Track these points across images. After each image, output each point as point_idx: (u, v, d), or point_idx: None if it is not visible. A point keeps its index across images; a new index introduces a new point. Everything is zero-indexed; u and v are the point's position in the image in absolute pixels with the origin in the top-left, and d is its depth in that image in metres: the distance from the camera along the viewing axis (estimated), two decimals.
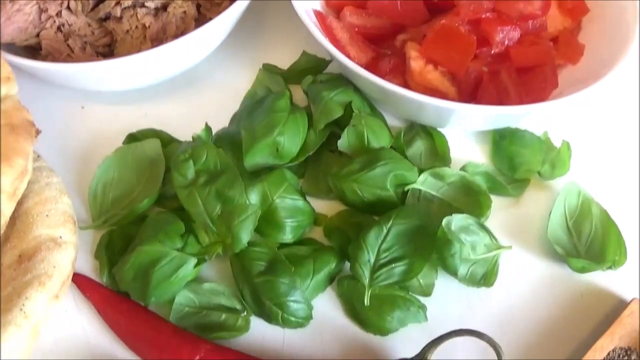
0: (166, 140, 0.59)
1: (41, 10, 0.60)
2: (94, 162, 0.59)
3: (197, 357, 0.51)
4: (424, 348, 0.52)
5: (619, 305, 0.56)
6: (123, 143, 0.60)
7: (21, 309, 0.50)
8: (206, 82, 0.64)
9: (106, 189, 0.57)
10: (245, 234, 0.52)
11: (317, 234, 0.57)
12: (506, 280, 0.56)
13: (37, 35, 0.61)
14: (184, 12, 0.61)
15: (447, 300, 0.55)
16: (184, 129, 0.59)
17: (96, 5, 0.61)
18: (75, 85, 0.60)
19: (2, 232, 0.50)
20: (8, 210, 0.50)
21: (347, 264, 0.56)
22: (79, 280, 0.55)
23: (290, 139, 0.56)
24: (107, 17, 0.61)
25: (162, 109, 0.62)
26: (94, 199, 0.57)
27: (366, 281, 0.53)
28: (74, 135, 0.62)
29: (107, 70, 0.56)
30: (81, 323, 0.55)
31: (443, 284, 0.55)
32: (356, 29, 0.61)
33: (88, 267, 0.56)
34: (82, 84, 0.60)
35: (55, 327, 0.54)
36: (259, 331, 0.54)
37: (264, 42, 0.67)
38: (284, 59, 0.65)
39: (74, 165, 0.60)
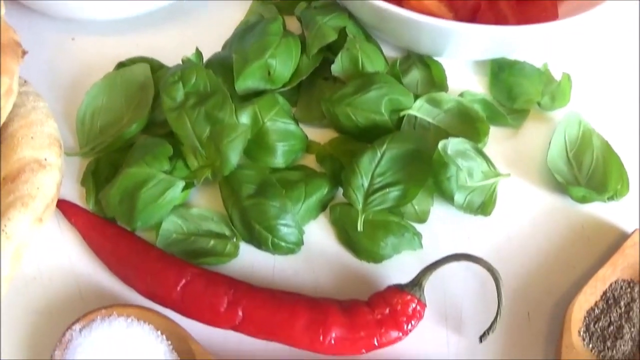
0: (156, 67, 0.57)
1: None
2: (83, 92, 0.57)
3: (183, 281, 0.49)
4: (419, 273, 0.50)
5: (621, 238, 0.54)
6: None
7: (3, 230, 0.49)
8: (199, 12, 0.62)
9: (94, 116, 0.56)
10: (235, 155, 0.51)
11: (310, 161, 0.56)
12: (505, 209, 0.54)
13: None
14: None
15: (443, 230, 0.54)
16: (175, 58, 0.57)
17: None
18: (65, 13, 0.59)
19: None
20: None
21: (341, 192, 0.54)
22: (63, 206, 0.54)
23: (283, 62, 0.54)
24: None
25: (153, 39, 0.61)
26: (82, 125, 0.56)
27: (359, 206, 0.51)
28: (64, 66, 0.60)
29: None
30: (66, 251, 0.53)
31: (440, 212, 0.54)
32: None
33: (75, 195, 0.55)
34: (71, 12, 0.58)
35: (40, 255, 0.53)
36: (249, 259, 0.53)
37: None
38: None
39: (64, 95, 0.59)
